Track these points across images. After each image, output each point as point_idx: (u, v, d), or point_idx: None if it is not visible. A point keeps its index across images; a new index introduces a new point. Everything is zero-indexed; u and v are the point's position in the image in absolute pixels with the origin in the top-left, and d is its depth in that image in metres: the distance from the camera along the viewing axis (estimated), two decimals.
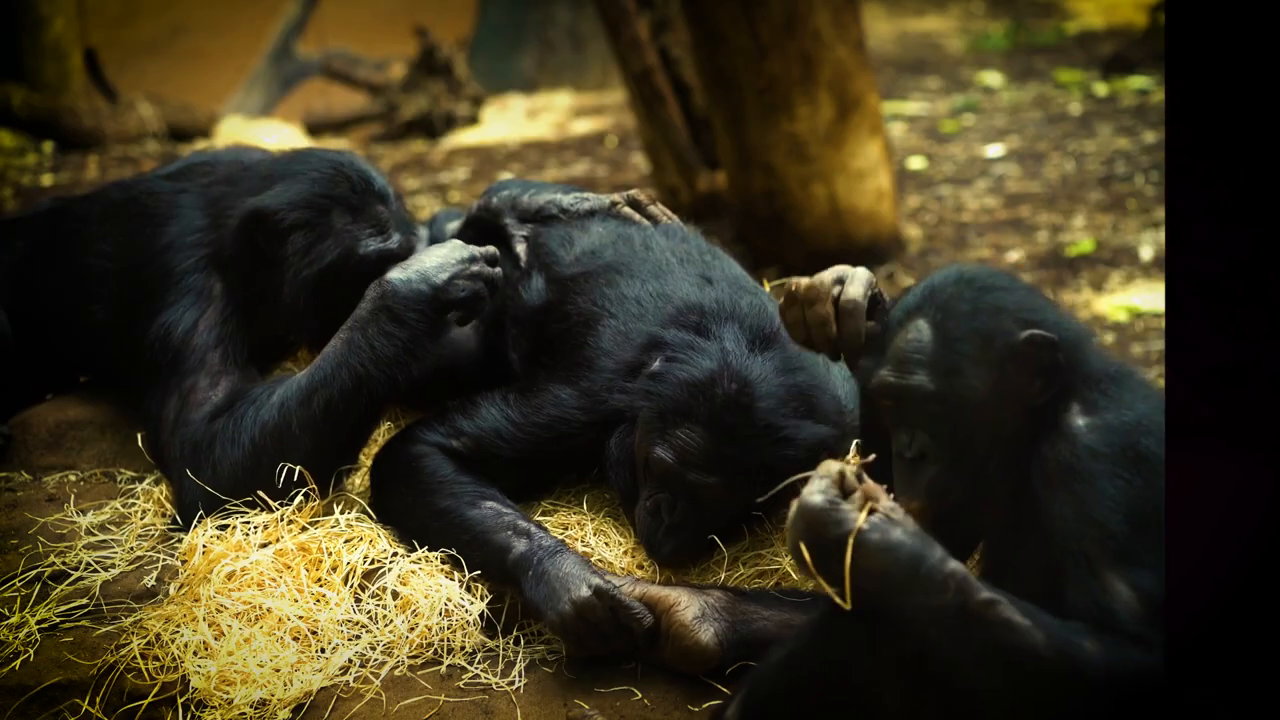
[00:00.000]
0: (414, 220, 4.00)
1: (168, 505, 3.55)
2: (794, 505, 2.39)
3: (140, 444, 3.62)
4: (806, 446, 3.19)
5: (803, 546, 2.36)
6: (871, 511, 2.36)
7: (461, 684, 3.12)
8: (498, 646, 3.21)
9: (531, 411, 3.38)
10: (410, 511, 3.36)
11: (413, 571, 3.26)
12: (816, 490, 2.37)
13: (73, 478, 3.72)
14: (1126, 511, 2.53)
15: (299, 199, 3.64)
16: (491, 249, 3.53)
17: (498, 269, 3.49)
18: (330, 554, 3.28)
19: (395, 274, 3.42)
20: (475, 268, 3.44)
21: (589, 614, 3.06)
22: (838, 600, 2.36)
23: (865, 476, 2.42)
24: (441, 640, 3.19)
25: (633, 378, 3.30)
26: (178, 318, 3.59)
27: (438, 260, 3.43)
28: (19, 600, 3.29)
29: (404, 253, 3.67)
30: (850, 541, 2.33)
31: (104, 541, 3.47)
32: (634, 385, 3.27)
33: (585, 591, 3.07)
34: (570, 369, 3.40)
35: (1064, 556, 2.56)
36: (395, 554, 3.30)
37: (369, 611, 3.22)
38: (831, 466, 2.41)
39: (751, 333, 3.31)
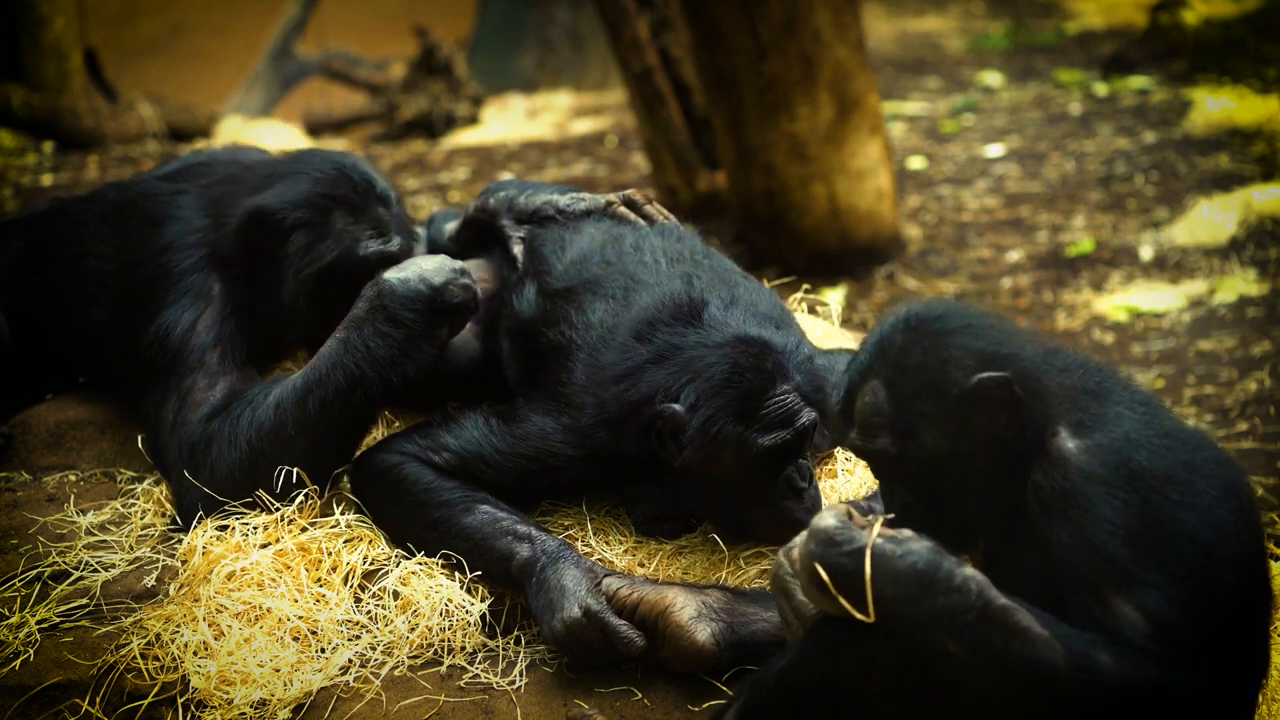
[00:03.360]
0: (414, 226, 4.00)
1: (168, 505, 3.55)
2: (803, 535, 2.48)
3: (140, 445, 3.62)
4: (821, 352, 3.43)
5: (819, 568, 2.43)
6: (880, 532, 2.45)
7: (462, 684, 3.12)
8: (498, 646, 3.21)
9: (516, 442, 3.32)
10: (404, 526, 3.33)
11: (413, 572, 3.25)
12: (828, 516, 2.46)
13: (73, 478, 3.72)
14: (1125, 533, 2.51)
15: (301, 198, 3.63)
16: (472, 270, 3.52)
17: (477, 288, 3.47)
18: (330, 554, 3.28)
19: (392, 274, 3.39)
20: (464, 280, 3.43)
21: (579, 633, 3.05)
22: (859, 616, 2.42)
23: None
24: (442, 640, 3.19)
25: (631, 423, 3.24)
26: (176, 318, 3.59)
27: (434, 264, 3.42)
28: (19, 600, 3.29)
29: (403, 255, 3.66)
30: (868, 553, 2.40)
31: (104, 541, 3.47)
32: (679, 443, 3.19)
33: (576, 612, 3.05)
34: (549, 402, 3.35)
35: (1067, 583, 2.54)
36: (395, 554, 3.30)
37: (369, 612, 3.22)
38: (837, 505, 2.52)
39: (676, 314, 3.28)
